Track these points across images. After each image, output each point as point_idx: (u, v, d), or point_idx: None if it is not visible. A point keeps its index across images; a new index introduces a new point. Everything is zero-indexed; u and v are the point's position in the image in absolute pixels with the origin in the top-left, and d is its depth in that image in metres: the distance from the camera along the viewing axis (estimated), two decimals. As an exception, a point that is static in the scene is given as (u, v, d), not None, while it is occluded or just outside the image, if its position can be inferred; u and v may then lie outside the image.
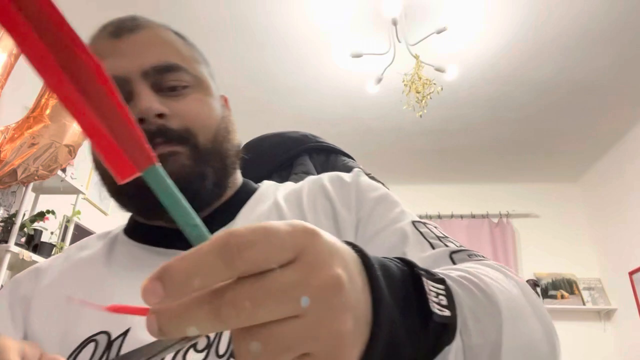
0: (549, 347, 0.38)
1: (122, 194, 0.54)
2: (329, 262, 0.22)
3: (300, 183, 0.63)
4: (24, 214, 2.28)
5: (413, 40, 2.69)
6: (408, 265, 0.30)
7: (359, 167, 0.95)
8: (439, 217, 4.48)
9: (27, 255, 2.20)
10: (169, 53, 0.56)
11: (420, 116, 2.91)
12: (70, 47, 0.21)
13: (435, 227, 0.55)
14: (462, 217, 4.49)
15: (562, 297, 3.97)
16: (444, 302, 0.30)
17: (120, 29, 0.56)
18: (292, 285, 0.20)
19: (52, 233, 2.55)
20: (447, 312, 0.29)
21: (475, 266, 0.40)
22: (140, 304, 0.50)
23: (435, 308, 0.28)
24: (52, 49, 0.21)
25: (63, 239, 2.62)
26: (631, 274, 3.63)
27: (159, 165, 0.22)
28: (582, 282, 4.06)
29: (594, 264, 4.17)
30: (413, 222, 0.54)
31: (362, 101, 3.39)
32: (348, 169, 0.93)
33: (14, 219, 2.22)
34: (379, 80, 2.88)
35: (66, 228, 2.67)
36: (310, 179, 0.63)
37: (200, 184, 0.53)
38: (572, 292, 4.00)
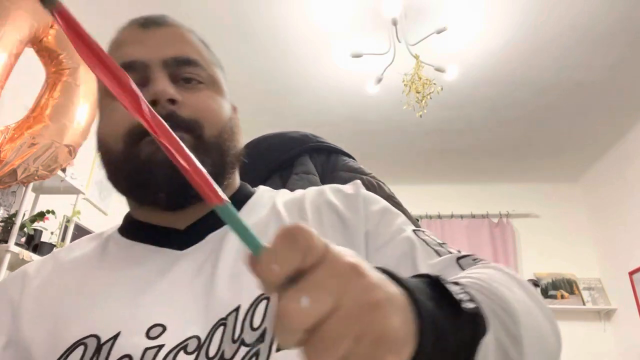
0: (556, 340, 0.42)
1: (123, 174, 0.54)
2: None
3: (300, 192, 0.63)
4: (24, 214, 2.28)
5: (413, 40, 2.69)
6: (421, 276, 0.33)
7: (360, 167, 0.95)
8: (439, 217, 4.48)
9: (27, 255, 2.20)
10: (190, 50, 0.58)
11: (420, 116, 2.91)
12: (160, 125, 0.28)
13: (431, 234, 0.58)
14: (462, 217, 4.48)
15: (562, 297, 3.97)
16: (466, 297, 0.32)
17: (149, 22, 0.60)
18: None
19: (52, 233, 2.54)
20: (472, 305, 0.31)
21: (481, 270, 0.42)
22: (133, 299, 0.49)
23: (462, 300, 0.31)
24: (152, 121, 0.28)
25: (63, 239, 2.62)
26: (631, 274, 3.63)
27: (229, 204, 0.27)
28: (582, 282, 4.06)
29: (594, 264, 4.17)
30: (414, 231, 0.56)
31: (362, 101, 3.39)
32: (349, 169, 0.93)
33: (14, 219, 2.22)
34: (379, 80, 2.88)
35: (66, 228, 2.67)
36: (311, 190, 0.62)
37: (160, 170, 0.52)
38: (572, 292, 4.00)
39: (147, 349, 0.44)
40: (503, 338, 0.34)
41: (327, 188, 0.62)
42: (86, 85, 2.16)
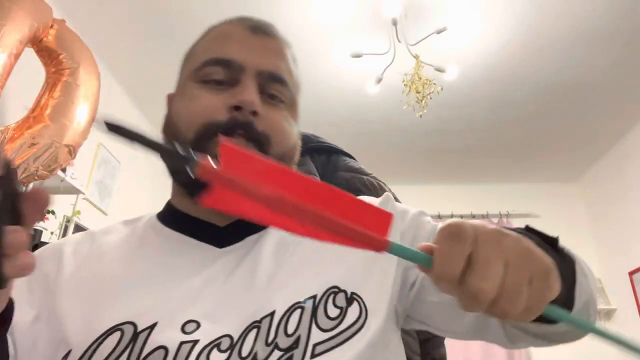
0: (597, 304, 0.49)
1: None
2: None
3: None
4: (24, 214, 2.27)
5: (413, 40, 2.69)
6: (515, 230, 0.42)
7: (361, 167, 0.95)
8: (439, 217, 4.48)
9: (27, 255, 2.19)
10: (284, 68, 0.60)
11: (420, 116, 2.91)
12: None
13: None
14: (462, 217, 4.48)
15: (562, 297, 3.97)
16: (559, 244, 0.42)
17: (259, 28, 0.61)
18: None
19: (52, 233, 2.54)
20: (566, 250, 0.41)
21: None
22: (170, 290, 0.50)
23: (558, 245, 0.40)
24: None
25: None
26: (631, 274, 3.63)
27: (392, 243, 0.32)
28: (582, 282, 4.06)
29: (594, 264, 4.17)
30: (426, 218, 0.61)
31: (362, 101, 3.39)
32: (350, 169, 0.93)
33: (14, 219, 2.21)
34: (379, 80, 2.88)
35: (66, 228, 2.66)
36: None
37: None
38: (572, 292, 4.00)
39: (182, 342, 0.45)
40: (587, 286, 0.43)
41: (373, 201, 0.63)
42: (86, 85, 2.16)
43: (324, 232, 0.31)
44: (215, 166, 0.29)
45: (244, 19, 0.62)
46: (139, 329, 0.46)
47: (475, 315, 0.50)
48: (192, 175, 0.28)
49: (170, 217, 0.59)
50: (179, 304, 0.48)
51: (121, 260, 0.54)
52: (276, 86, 0.58)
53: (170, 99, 0.63)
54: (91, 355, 0.45)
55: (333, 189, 0.32)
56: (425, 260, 0.31)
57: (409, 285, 0.55)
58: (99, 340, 0.46)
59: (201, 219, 0.56)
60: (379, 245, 0.31)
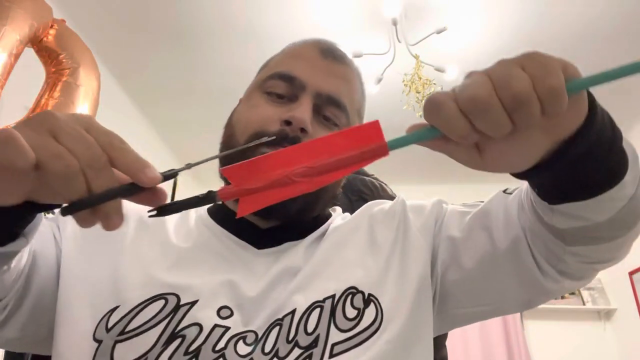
0: None
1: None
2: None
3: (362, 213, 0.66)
4: (24, 214, 2.27)
5: (413, 40, 2.69)
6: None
7: (364, 169, 0.95)
8: (439, 217, 4.48)
9: (27, 255, 2.20)
10: (346, 94, 0.63)
11: (420, 116, 2.90)
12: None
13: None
14: (462, 217, 4.48)
15: (562, 297, 3.97)
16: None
17: (330, 53, 0.64)
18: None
19: (52, 233, 2.54)
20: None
21: None
22: (209, 275, 0.54)
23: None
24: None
25: (63, 239, 2.61)
26: (631, 274, 3.63)
27: (389, 143, 0.35)
28: (582, 282, 4.06)
29: (594, 264, 4.17)
30: (444, 205, 0.64)
31: (362, 101, 3.39)
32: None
33: (13, 219, 2.21)
34: (379, 80, 2.88)
35: (66, 228, 2.66)
36: (393, 204, 0.66)
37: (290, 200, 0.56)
38: (572, 292, 4.00)
39: (216, 325, 0.48)
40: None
41: (406, 206, 0.65)
42: (86, 85, 2.16)
43: (334, 172, 0.36)
44: (229, 186, 0.36)
45: (320, 42, 0.65)
46: (182, 302, 0.49)
47: (507, 258, 0.51)
48: (218, 201, 0.36)
49: (219, 213, 0.63)
50: (218, 290, 0.51)
51: (177, 238, 0.58)
52: (332, 109, 0.60)
53: (239, 102, 0.67)
54: (134, 316, 0.48)
55: (322, 139, 0.36)
56: (428, 131, 0.34)
57: (435, 284, 0.56)
58: (145, 303, 0.49)
59: (246, 218, 0.60)
60: (380, 150, 0.35)
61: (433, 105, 0.33)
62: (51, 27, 2.09)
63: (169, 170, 0.36)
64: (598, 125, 0.37)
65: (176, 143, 3.97)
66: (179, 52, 2.95)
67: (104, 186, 0.32)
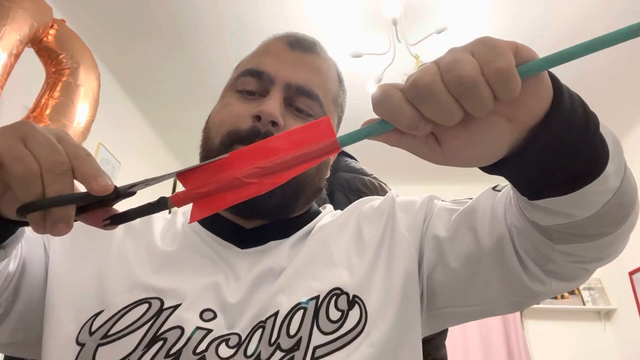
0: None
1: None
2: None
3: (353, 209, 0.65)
4: (24, 214, 2.27)
5: (413, 40, 2.69)
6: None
7: (362, 167, 0.95)
8: (439, 217, 4.48)
9: (27, 255, 2.19)
10: (317, 84, 0.61)
11: (421, 116, 2.91)
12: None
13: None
14: (462, 217, 4.48)
15: (562, 297, 3.97)
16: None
17: (298, 44, 0.63)
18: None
19: (52, 233, 2.54)
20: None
21: None
22: (192, 279, 0.54)
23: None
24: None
25: (63, 239, 2.61)
26: (631, 274, 3.63)
27: (340, 139, 0.34)
28: (582, 282, 4.06)
29: (594, 264, 4.17)
30: (435, 201, 0.62)
31: (362, 101, 3.38)
32: (351, 170, 0.93)
33: (13, 219, 2.21)
34: (379, 80, 2.88)
35: (66, 228, 2.66)
36: (381, 200, 0.64)
37: (266, 197, 0.53)
38: (572, 292, 4.00)
39: (198, 327, 0.48)
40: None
41: (390, 201, 0.63)
42: (86, 85, 2.16)
43: (285, 172, 0.35)
44: (182, 191, 0.36)
45: (288, 35, 0.64)
46: (165, 306, 0.50)
47: (491, 259, 0.50)
48: (171, 207, 0.36)
49: (211, 219, 0.62)
50: (201, 293, 0.51)
51: (163, 242, 0.59)
52: (304, 100, 0.59)
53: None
54: (118, 320, 0.48)
55: (274, 138, 0.36)
56: (379, 125, 0.33)
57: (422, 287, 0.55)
58: (129, 307, 0.49)
59: (230, 220, 0.60)
60: (331, 147, 0.34)
61: (379, 96, 0.33)
62: (51, 27, 2.09)
63: (129, 185, 0.36)
64: (566, 110, 0.35)
65: (176, 143, 3.97)
66: (180, 52, 2.95)
67: (60, 192, 0.33)
